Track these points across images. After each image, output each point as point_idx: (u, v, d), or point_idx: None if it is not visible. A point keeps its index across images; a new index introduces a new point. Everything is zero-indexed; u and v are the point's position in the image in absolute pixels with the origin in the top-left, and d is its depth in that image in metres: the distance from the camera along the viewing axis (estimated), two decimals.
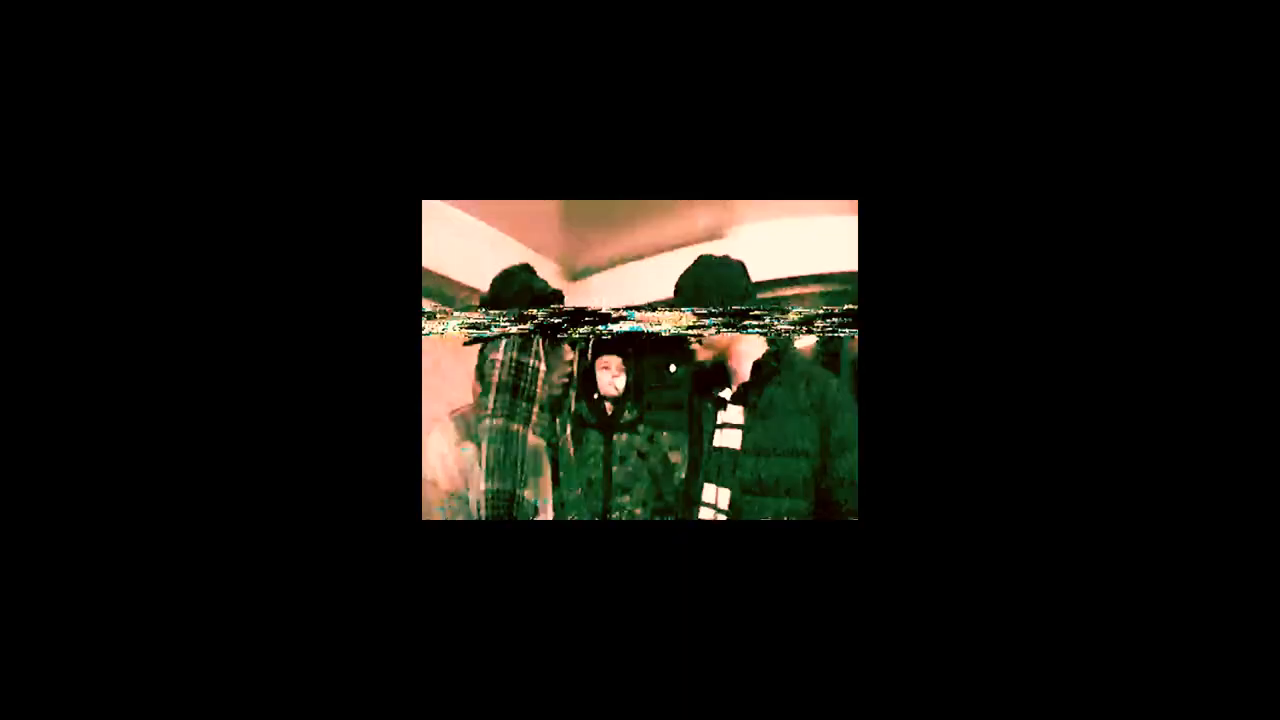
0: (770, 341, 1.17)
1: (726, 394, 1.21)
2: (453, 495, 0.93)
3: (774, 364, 1.12)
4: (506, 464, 0.93)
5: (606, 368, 1.95)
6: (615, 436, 1.85)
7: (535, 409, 0.99)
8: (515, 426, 0.95)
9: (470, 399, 1.05)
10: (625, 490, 1.84)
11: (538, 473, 0.98)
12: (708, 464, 1.17)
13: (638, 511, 1.84)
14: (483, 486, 0.91)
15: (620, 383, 1.90)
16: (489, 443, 0.93)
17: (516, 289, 1.03)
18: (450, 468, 0.94)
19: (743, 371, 1.16)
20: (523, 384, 0.98)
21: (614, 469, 1.84)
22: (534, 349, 1.00)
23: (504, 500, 0.92)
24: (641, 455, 1.86)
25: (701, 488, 1.16)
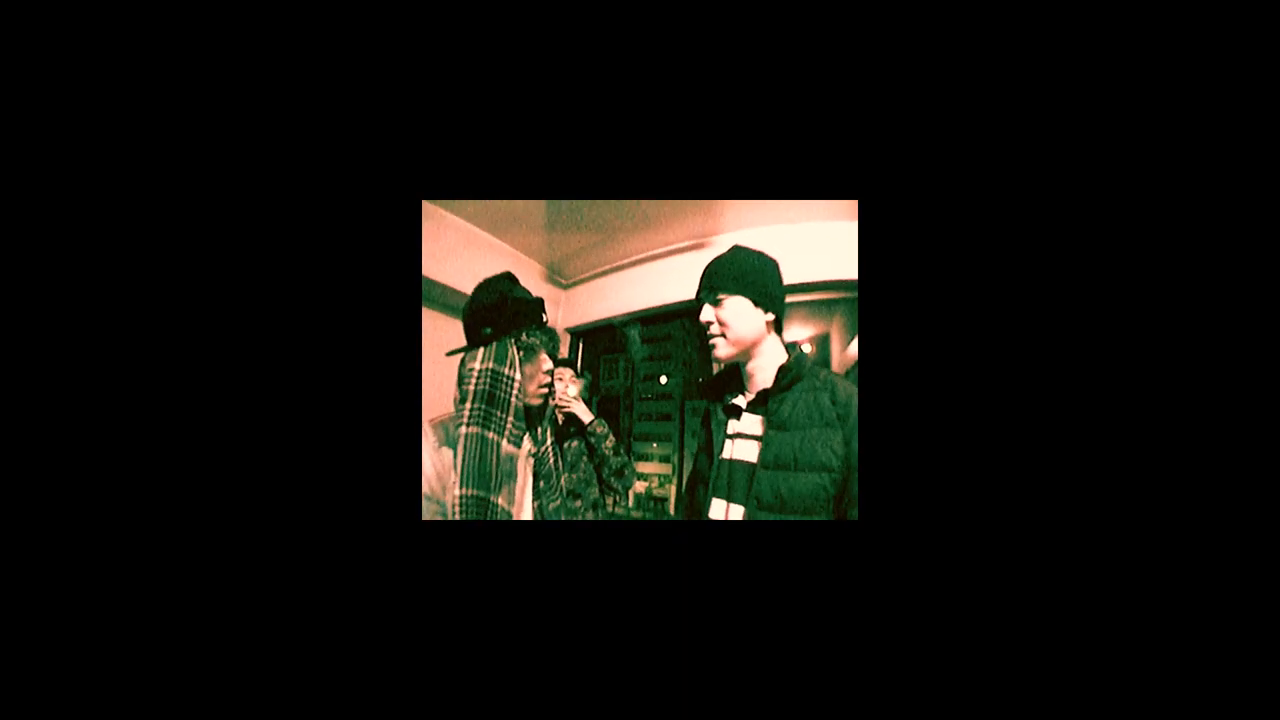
0: (788, 346, 1.10)
1: (742, 401, 1.11)
2: (429, 499, 0.94)
3: (799, 370, 1.03)
4: (481, 471, 0.93)
5: (560, 379, 2.00)
6: (566, 444, 1.88)
7: (510, 418, 0.99)
8: (490, 435, 0.96)
9: (451, 408, 1.05)
10: (577, 496, 1.88)
11: (510, 480, 0.99)
12: (717, 478, 1.07)
13: (588, 515, 1.89)
14: (457, 492, 0.92)
15: (573, 392, 1.94)
16: (464, 449, 0.94)
17: (495, 298, 1.04)
18: (428, 471, 0.95)
19: (761, 378, 1.07)
20: (498, 393, 0.98)
21: (565, 476, 1.87)
22: (509, 358, 1.01)
23: (477, 506, 0.92)
24: (593, 459, 1.91)
25: (709, 503, 1.07)
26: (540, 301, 1.09)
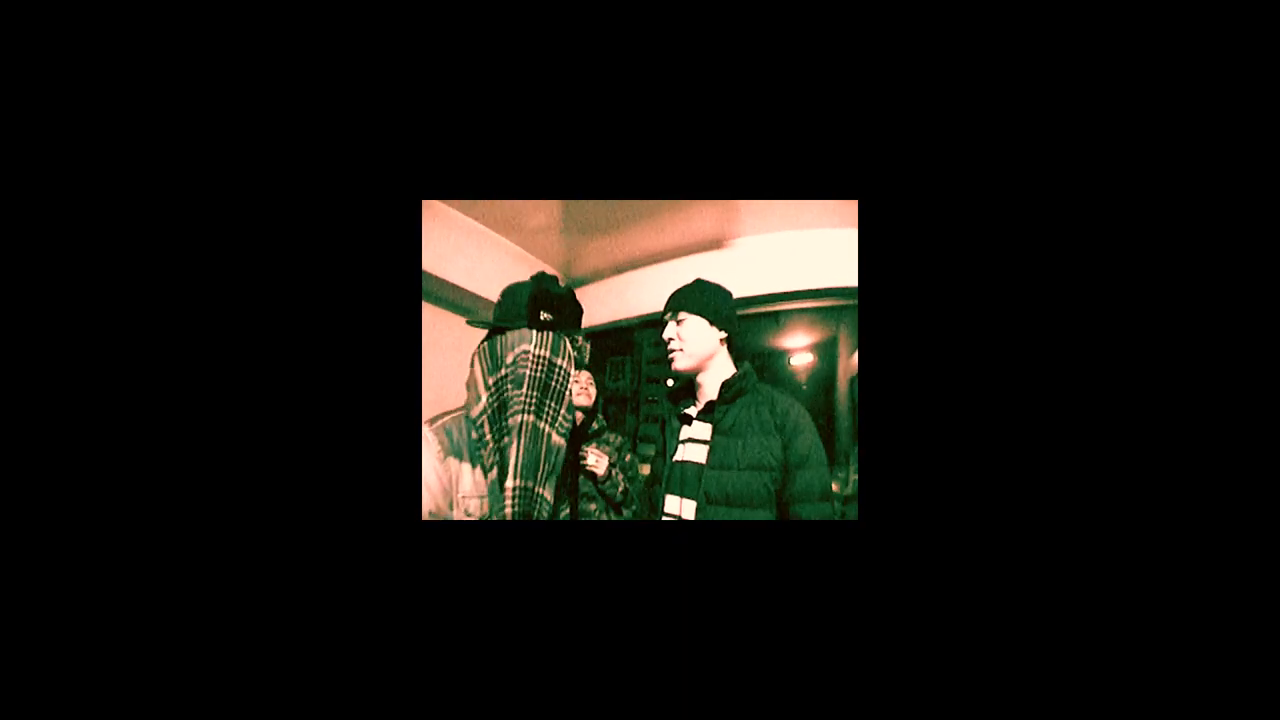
0: (738, 362, 1.23)
1: (693, 410, 1.25)
2: (434, 515, 0.89)
3: (742, 385, 1.17)
4: (533, 462, 0.93)
5: (576, 380, 1.97)
6: (582, 447, 1.86)
7: (562, 410, 0.98)
8: (542, 425, 0.95)
9: (464, 396, 1.02)
10: (591, 499, 1.86)
11: (555, 473, 0.97)
12: (670, 476, 1.21)
13: (603, 518, 1.87)
14: (510, 484, 0.91)
15: (592, 391, 1.92)
16: (517, 438, 0.92)
17: (566, 292, 1.03)
18: (432, 486, 0.89)
19: (709, 389, 1.21)
20: (552, 383, 0.97)
21: (581, 478, 1.85)
22: (564, 352, 1.00)
23: (526, 498, 0.91)
24: (611, 464, 1.89)
25: (664, 499, 1.19)
26: (582, 312, 1.10)
